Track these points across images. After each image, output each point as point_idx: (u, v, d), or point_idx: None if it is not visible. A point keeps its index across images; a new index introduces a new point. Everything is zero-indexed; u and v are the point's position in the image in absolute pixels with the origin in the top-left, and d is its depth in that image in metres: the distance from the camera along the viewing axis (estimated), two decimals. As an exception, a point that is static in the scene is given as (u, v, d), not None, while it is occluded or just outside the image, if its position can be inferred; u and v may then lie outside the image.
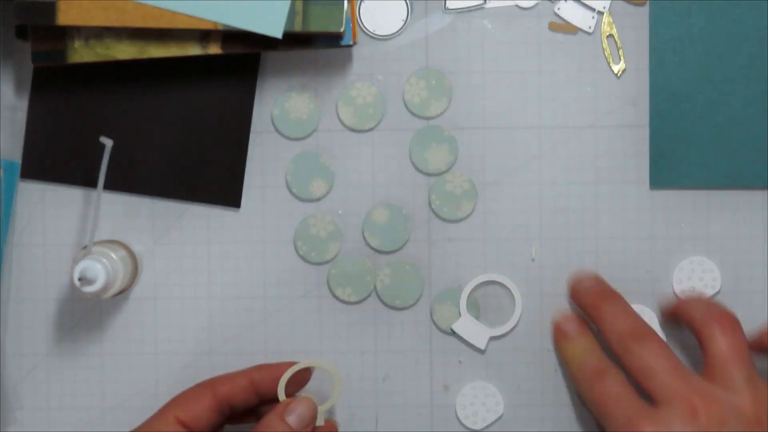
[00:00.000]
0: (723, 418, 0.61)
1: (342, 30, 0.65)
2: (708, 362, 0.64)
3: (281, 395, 0.65)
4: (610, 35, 0.70)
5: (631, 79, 0.70)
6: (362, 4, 0.70)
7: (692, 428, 0.61)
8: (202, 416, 0.64)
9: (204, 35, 0.66)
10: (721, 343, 0.64)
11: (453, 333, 0.70)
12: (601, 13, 0.70)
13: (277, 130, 0.70)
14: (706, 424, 0.61)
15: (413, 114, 0.70)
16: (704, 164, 0.69)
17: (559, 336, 0.69)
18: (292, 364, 0.66)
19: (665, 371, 0.63)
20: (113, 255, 0.66)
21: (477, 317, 0.70)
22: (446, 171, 0.70)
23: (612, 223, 0.70)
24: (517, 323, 0.70)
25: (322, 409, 0.65)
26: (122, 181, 0.70)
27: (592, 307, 0.68)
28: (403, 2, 0.70)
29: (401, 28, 0.70)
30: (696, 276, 0.70)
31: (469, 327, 0.70)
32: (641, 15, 0.70)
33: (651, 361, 0.64)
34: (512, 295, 0.70)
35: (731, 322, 0.65)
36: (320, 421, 0.65)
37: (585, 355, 0.68)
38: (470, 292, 0.70)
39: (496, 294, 0.70)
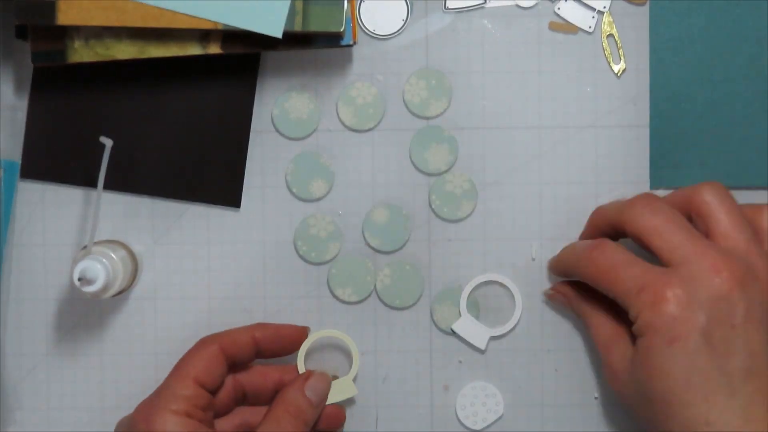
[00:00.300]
0: (743, 278, 0.59)
1: (342, 30, 0.65)
2: (711, 233, 0.61)
3: (301, 366, 0.68)
4: (611, 35, 0.70)
5: (631, 79, 0.70)
6: (362, 3, 0.70)
7: (719, 286, 0.58)
8: (216, 374, 0.65)
9: (204, 35, 0.66)
10: (719, 210, 0.61)
11: (453, 333, 0.70)
12: (601, 13, 0.70)
13: (277, 130, 0.70)
14: (729, 281, 0.59)
15: (413, 114, 0.70)
16: (704, 164, 0.69)
17: (553, 261, 0.69)
18: (294, 326, 0.68)
19: (677, 230, 0.61)
20: (113, 255, 0.66)
21: (477, 317, 0.70)
22: (446, 171, 0.70)
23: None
24: (517, 323, 0.70)
25: (348, 379, 0.68)
26: (122, 181, 0.70)
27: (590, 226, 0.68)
28: (403, 2, 0.70)
29: (401, 28, 0.70)
30: (696, 276, 0.70)
31: (469, 327, 0.70)
32: (641, 15, 0.70)
33: (659, 221, 0.61)
34: (512, 295, 0.70)
35: (721, 188, 0.62)
36: (349, 393, 0.68)
37: (577, 243, 0.66)
38: (470, 292, 0.70)
39: (496, 294, 0.70)
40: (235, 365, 0.67)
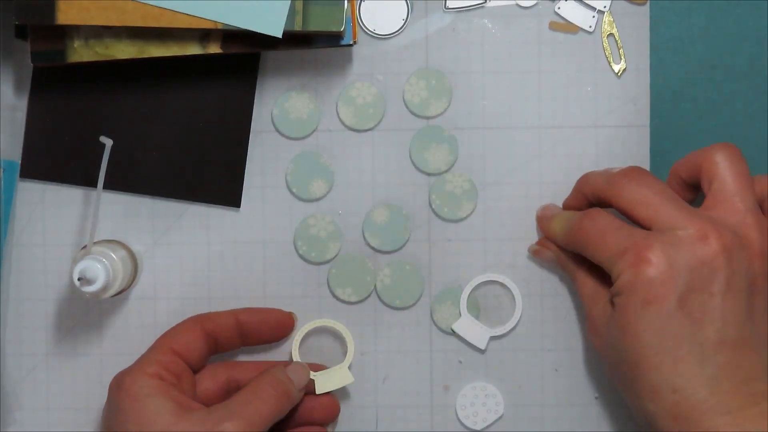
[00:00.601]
0: (729, 247, 0.58)
1: (342, 30, 0.65)
2: (711, 194, 0.61)
3: (296, 356, 0.69)
4: (611, 35, 0.70)
5: (632, 78, 0.70)
6: (362, 3, 0.70)
7: (703, 252, 0.58)
8: (193, 346, 0.66)
9: (204, 35, 0.66)
10: (726, 173, 0.60)
11: (453, 333, 0.70)
12: (601, 13, 0.70)
13: (277, 130, 0.70)
14: (713, 248, 0.58)
15: (413, 114, 0.70)
16: (704, 164, 0.69)
17: (543, 223, 0.68)
18: (280, 311, 0.69)
19: (666, 200, 0.60)
20: (113, 255, 0.66)
21: (477, 317, 0.70)
22: (446, 171, 0.70)
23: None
24: (517, 323, 0.70)
25: (343, 367, 0.69)
26: (122, 181, 0.70)
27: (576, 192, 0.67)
28: (403, 2, 0.70)
29: (401, 27, 0.70)
30: (696, 276, 0.70)
31: (469, 327, 0.70)
32: (642, 15, 0.70)
33: (647, 193, 0.61)
34: (512, 295, 0.70)
35: (734, 150, 0.61)
36: (345, 381, 0.68)
37: (570, 214, 0.66)
38: (470, 292, 0.70)
39: (496, 294, 0.70)
40: (218, 346, 0.68)
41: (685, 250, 0.58)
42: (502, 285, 0.70)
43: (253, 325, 0.68)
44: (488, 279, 0.70)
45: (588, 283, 0.65)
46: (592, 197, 0.65)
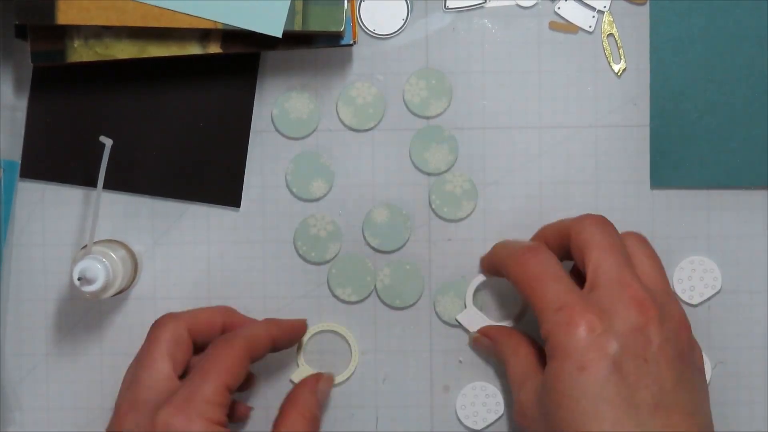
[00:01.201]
0: (660, 315, 0.59)
1: (342, 29, 0.65)
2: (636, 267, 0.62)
3: (301, 360, 0.69)
4: (611, 35, 0.70)
5: (632, 78, 0.70)
6: (362, 3, 0.70)
7: (635, 318, 0.58)
8: (242, 378, 0.62)
9: (204, 35, 0.66)
10: (642, 253, 0.63)
11: (458, 324, 0.70)
12: (601, 13, 0.70)
13: (277, 130, 0.70)
14: (646, 315, 0.58)
15: (413, 114, 0.70)
16: (704, 164, 0.69)
17: (490, 252, 0.68)
18: (298, 320, 0.69)
19: (614, 253, 0.61)
20: (113, 255, 0.66)
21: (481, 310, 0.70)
22: (446, 171, 0.70)
23: (612, 222, 0.70)
24: (519, 323, 0.70)
25: (349, 370, 0.70)
26: (122, 181, 0.70)
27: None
28: (403, 2, 0.70)
29: (401, 27, 0.70)
30: (696, 275, 0.70)
31: (473, 318, 0.69)
32: (642, 14, 0.70)
33: (603, 239, 0.61)
34: (515, 296, 0.70)
35: (639, 237, 0.64)
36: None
37: (511, 241, 0.66)
38: (476, 287, 0.70)
39: (498, 293, 0.70)
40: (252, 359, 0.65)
41: (619, 315, 0.58)
42: (505, 283, 0.70)
43: (282, 338, 0.67)
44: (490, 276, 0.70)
45: (520, 366, 0.65)
46: (551, 237, 0.66)
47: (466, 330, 0.70)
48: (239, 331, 0.64)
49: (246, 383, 0.69)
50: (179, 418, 0.59)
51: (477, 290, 0.70)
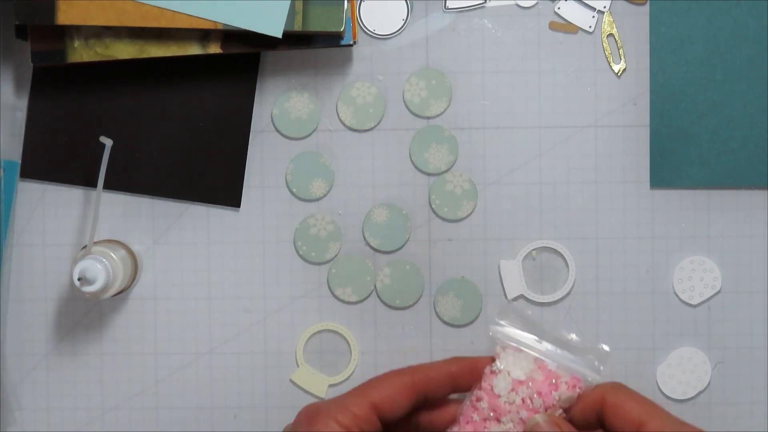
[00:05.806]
0: None
1: (342, 30, 0.65)
2: None
3: (300, 357, 0.69)
4: (611, 35, 0.70)
5: (632, 78, 0.70)
6: (362, 3, 0.70)
7: None
8: (399, 406, 0.61)
9: (204, 35, 0.66)
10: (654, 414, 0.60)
11: (457, 324, 0.70)
12: (601, 13, 0.70)
13: (277, 130, 0.70)
14: None
15: (413, 114, 0.70)
16: (704, 164, 0.69)
17: None
18: (490, 359, 0.64)
19: (666, 420, 0.59)
20: (113, 255, 0.66)
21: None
22: (446, 171, 0.70)
23: (612, 222, 0.70)
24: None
25: (349, 370, 0.70)
26: (122, 181, 0.70)
27: None
28: (403, 2, 0.70)
29: (401, 27, 0.70)
30: (696, 276, 0.70)
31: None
32: (641, 14, 0.70)
33: (645, 410, 0.59)
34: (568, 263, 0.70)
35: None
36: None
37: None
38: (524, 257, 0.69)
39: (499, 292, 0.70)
40: (427, 402, 0.63)
41: None
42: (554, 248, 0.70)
43: (468, 375, 0.63)
44: (544, 245, 0.70)
45: None
46: (591, 406, 0.62)
47: (463, 337, 0.70)
48: (415, 365, 0.63)
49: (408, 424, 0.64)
50: (312, 412, 0.60)
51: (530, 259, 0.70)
